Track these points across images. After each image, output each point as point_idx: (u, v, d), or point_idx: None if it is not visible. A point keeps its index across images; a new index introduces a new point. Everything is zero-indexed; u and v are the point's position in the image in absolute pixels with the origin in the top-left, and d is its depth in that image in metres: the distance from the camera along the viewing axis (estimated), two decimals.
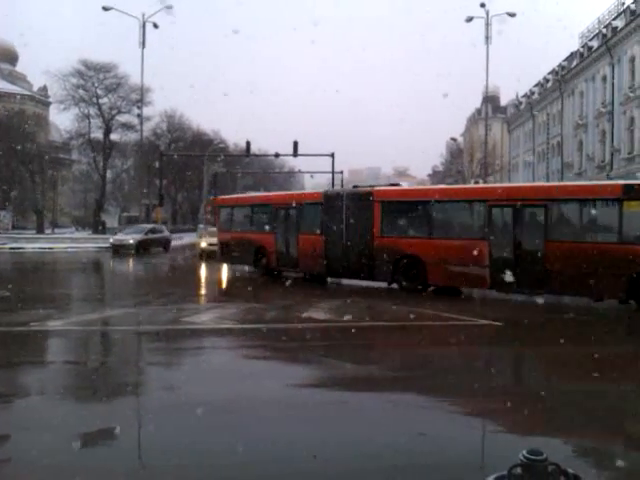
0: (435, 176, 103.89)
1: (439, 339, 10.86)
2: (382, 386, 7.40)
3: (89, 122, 57.34)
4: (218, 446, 5.30)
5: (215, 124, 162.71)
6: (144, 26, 42.26)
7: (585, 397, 7.06)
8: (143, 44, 42.45)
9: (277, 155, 53.08)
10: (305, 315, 12.32)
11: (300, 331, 10.92)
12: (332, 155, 45.36)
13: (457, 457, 5.00)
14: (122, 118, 58.02)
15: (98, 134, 57.97)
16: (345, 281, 18.90)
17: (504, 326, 11.49)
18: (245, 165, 78.25)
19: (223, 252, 22.84)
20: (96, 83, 55.83)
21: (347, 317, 11.80)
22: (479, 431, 6.00)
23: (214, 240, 26.44)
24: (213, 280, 22.91)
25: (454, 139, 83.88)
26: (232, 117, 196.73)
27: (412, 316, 11.95)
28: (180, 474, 4.82)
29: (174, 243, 42.84)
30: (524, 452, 2.22)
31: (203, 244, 30.06)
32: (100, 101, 56.40)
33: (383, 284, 17.07)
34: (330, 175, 47.48)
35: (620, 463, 5.11)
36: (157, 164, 48.32)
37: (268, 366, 8.67)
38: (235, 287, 20.63)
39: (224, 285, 21.60)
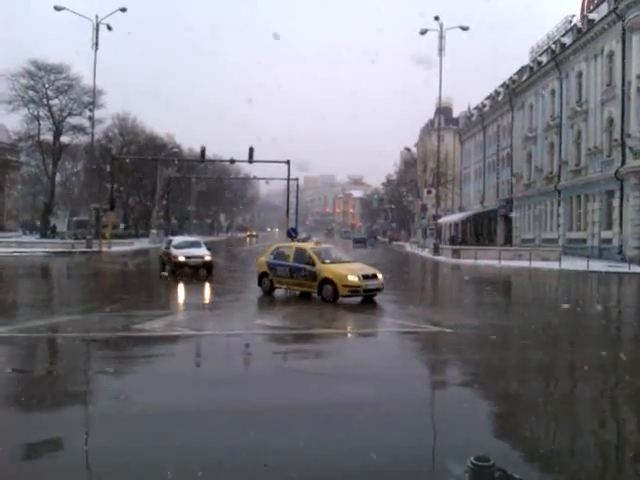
0: (389, 185, 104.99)
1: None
2: (332, 390, 7.38)
3: (39, 124, 56.09)
4: (168, 456, 5.19)
5: (169, 128, 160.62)
6: (97, 28, 41.54)
7: (532, 402, 7.22)
8: (96, 46, 41.70)
9: (232, 161, 52.66)
10: None
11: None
12: (287, 162, 45.34)
13: (408, 463, 5.03)
14: (73, 120, 56.92)
15: (48, 136, 56.77)
16: None
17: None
18: (200, 170, 77.56)
19: None
20: (47, 84, 54.60)
21: None
22: (430, 437, 6.05)
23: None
24: None
25: (408, 149, 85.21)
26: (187, 122, 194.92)
27: None
28: None
29: (120, 248, 41.98)
30: (472, 459, 2.24)
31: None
32: (50, 102, 55.20)
33: None
34: (285, 181, 47.46)
35: (564, 468, 5.23)
36: (108, 168, 47.41)
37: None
38: None
39: None
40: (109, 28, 42.19)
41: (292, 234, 39.76)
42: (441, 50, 44.43)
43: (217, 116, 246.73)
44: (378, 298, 15.94)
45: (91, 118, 49.10)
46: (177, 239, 26.04)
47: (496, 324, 13.30)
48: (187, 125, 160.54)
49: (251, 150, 44.28)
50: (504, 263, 35.04)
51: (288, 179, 46.20)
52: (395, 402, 6.93)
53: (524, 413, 6.99)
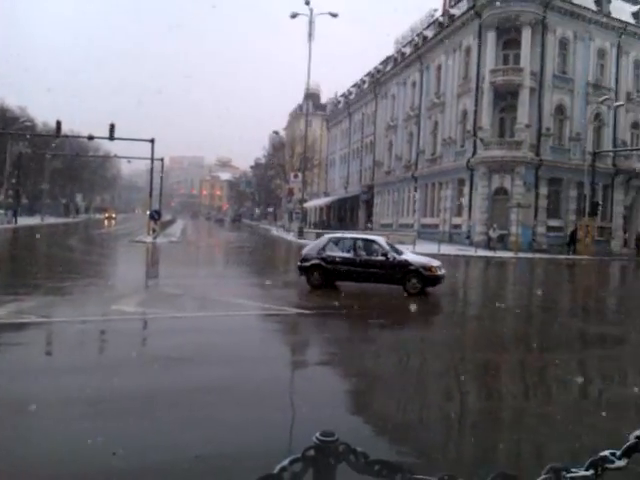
0: (258, 168, 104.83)
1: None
2: (180, 375, 7.28)
3: None
4: (9, 448, 4.85)
5: (22, 100, 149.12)
6: None
7: (373, 379, 7.54)
8: None
9: (91, 137, 49.70)
10: None
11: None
12: (152, 141, 43.50)
13: (263, 444, 5.05)
14: None
15: None
16: None
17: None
18: (55, 147, 72.80)
19: None
20: None
21: None
22: (288, 416, 6.13)
23: None
24: None
25: (276, 132, 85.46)
26: (41, 95, 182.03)
27: None
28: None
29: None
30: (317, 434, 2.28)
31: None
32: None
33: None
34: (149, 161, 45.69)
35: (410, 440, 5.51)
36: None
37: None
38: None
39: None
40: None
41: (155, 216, 38.59)
42: (310, 35, 44.83)
43: (75, 91, 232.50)
44: (244, 281, 15.94)
45: None
46: (381, 240, 16.95)
47: (354, 305, 13.75)
48: (42, 99, 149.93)
49: (112, 127, 42.12)
50: None
51: (152, 159, 44.42)
52: (255, 384, 6.94)
53: (378, 389, 7.30)
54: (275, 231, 62.58)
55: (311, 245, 16.62)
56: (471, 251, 34.88)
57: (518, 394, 7.50)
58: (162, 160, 50.40)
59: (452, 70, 46.55)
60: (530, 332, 11.96)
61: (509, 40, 40.92)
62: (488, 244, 37.24)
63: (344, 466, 1.67)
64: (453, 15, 47.00)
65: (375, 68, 66.16)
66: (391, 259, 15.48)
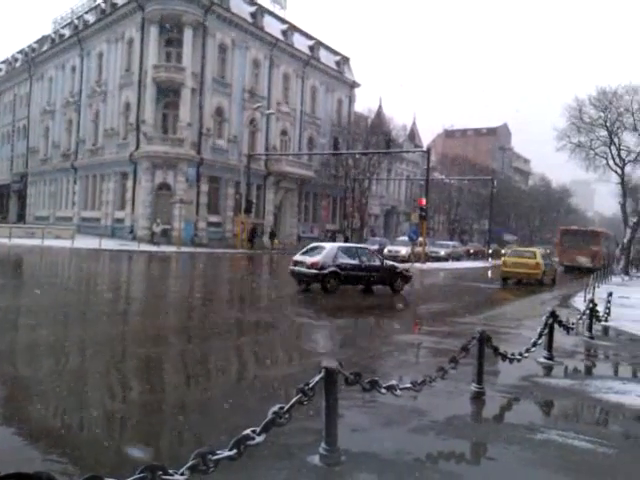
0: None
1: None
2: None
3: None
4: None
5: None
6: None
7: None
8: None
9: None
10: None
11: None
12: None
13: None
14: None
15: None
16: None
17: None
18: None
19: None
20: None
21: None
22: None
23: None
24: None
25: None
26: None
27: None
28: None
29: None
30: None
31: None
32: None
33: None
34: None
35: (69, 442, 5.23)
36: None
37: None
38: None
39: None
40: None
41: None
42: None
43: None
44: None
45: None
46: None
47: None
48: None
49: None
50: (15, 241, 33.14)
51: None
52: None
53: (34, 395, 6.71)
54: None
55: (322, 254, 17.41)
56: (134, 246, 34.50)
57: (179, 384, 7.65)
58: None
59: (114, 60, 45.30)
60: (191, 323, 12.35)
61: (172, 38, 41.47)
62: (152, 239, 37.32)
63: None
64: (116, 4, 45.69)
65: (30, 47, 60.62)
66: (384, 264, 18.27)
